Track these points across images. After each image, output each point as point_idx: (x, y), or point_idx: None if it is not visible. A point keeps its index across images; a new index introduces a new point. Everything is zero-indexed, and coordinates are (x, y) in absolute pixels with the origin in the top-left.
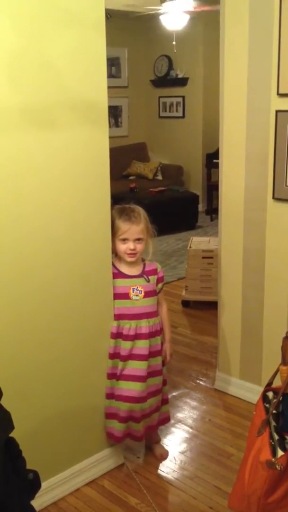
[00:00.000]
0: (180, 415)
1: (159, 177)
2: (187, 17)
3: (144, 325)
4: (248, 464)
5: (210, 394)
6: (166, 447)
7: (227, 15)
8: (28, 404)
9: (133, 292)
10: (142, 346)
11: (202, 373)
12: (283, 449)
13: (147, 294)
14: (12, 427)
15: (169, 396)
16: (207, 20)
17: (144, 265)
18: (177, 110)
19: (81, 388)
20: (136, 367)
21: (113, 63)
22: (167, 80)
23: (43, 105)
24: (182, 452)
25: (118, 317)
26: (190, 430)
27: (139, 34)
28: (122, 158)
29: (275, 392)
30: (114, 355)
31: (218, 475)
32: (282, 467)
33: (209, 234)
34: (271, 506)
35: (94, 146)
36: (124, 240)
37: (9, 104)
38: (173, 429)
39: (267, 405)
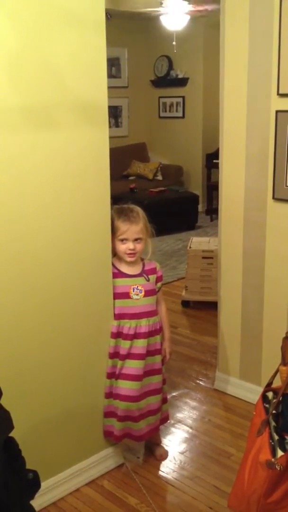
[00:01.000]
0: (180, 415)
1: (159, 177)
2: (187, 18)
3: (144, 324)
4: (248, 464)
5: (210, 394)
6: (165, 447)
7: (227, 15)
8: (28, 404)
9: (133, 291)
10: (140, 345)
11: (202, 373)
12: (283, 449)
13: (147, 293)
14: (12, 427)
15: (169, 396)
16: (207, 21)
17: (144, 264)
18: (177, 110)
19: (81, 388)
20: (133, 366)
21: (113, 63)
22: (167, 80)
23: (43, 105)
24: (182, 452)
25: (119, 316)
26: (190, 430)
27: (139, 34)
28: (122, 158)
29: (275, 392)
30: (114, 355)
31: (217, 475)
32: (281, 467)
33: (209, 234)
34: (271, 506)
35: (94, 146)
36: (124, 240)
37: (9, 104)
38: (172, 429)
39: (267, 405)
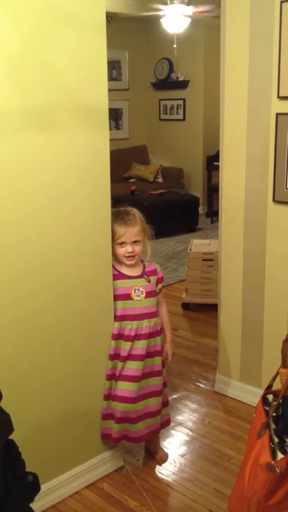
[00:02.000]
0: (180, 417)
1: (160, 180)
2: (187, 20)
3: (145, 325)
4: (248, 467)
5: (210, 397)
6: (166, 450)
7: (228, 18)
8: (28, 406)
9: (134, 292)
10: (140, 347)
11: (202, 376)
12: (283, 452)
13: (148, 295)
14: (11, 429)
15: (169, 398)
16: (207, 23)
17: (144, 265)
18: (177, 113)
19: (81, 390)
20: (132, 367)
21: (114, 66)
22: (168, 82)
23: (44, 107)
24: (182, 455)
25: (121, 318)
26: (190, 432)
27: (140, 37)
28: (122, 160)
29: (275, 395)
30: (115, 356)
31: (218, 478)
32: (282, 470)
33: (209, 236)
34: (271, 509)
35: (95, 148)
36: (122, 243)
37: (10, 106)
38: (173, 431)
39: (267, 408)
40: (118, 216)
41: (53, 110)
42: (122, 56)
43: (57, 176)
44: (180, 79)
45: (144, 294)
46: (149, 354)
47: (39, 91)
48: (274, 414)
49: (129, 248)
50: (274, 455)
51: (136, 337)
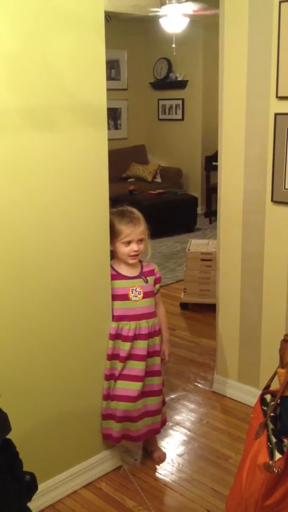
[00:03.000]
0: (178, 417)
1: (158, 180)
2: (186, 20)
3: (144, 326)
4: (246, 467)
5: (208, 397)
6: (163, 450)
7: (227, 18)
8: (26, 406)
9: (132, 293)
10: (141, 347)
11: (200, 376)
12: (281, 452)
13: (146, 295)
14: (9, 429)
15: (167, 398)
16: (206, 23)
17: (142, 266)
18: (176, 113)
19: (79, 390)
20: (135, 367)
21: (112, 66)
22: (167, 82)
23: (42, 106)
24: (180, 455)
25: (118, 318)
26: (188, 432)
27: (139, 37)
28: (121, 160)
29: (273, 395)
30: (113, 356)
31: (215, 478)
32: (279, 470)
33: (208, 236)
34: (269, 509)
35: (93, 148)
36: (129, 242)
37: (8, 105)
38: (171, 431)
39: (265, 408)
40: (123, 216)
41: (51, 110)
42: (120, 55)
43: (55, 176)
44: (179, 79)
45: (141, 295)
46: (149, 354)
47: (38, 90)
48: (272, 414)
49: (135, 247)
50: (272, 455)
51: (136, 337)
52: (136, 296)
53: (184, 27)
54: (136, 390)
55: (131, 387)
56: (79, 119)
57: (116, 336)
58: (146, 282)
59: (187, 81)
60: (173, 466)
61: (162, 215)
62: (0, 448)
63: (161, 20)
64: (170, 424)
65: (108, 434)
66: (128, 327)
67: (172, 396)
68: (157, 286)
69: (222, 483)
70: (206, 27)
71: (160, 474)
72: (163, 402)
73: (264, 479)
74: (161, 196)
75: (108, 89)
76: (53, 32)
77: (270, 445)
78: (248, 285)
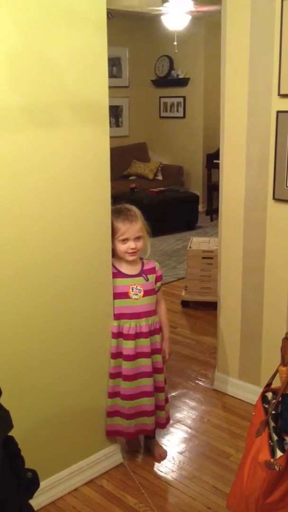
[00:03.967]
0: (179, 415)
1: (160, 177)
2: (188, 18)
3: (144, 324)
4: (247, 465)
5: (209, 395)
6: (164, 447)
7: (229, 15)
8: (27, 403)
9: (132, 291)
10: (144, 344)
11: (201, 374)
12: (282, 450)
13: (147, 293)
14: (11, 426)
15: (168, 396)
16: (208, 21)
17: (143, 264)
18: (177, 110)
19: (80, 388)
20: (143, 364)
21: (114, 63)
22: (168, 80)
23: (44, 104)
24: (181, 452)
25: (118, 316)
26: (189, 430)
27: (140, 34)
28: (122, 158)
29: (274, 392)
30: (117, 355)
31: (216, 476)
32: (280, 467)
33: (209, 234)
34: (270, 507)
35: (95, 145)
36: (125, 240)
37: (10, 103)
38: (171, 429)
39: (266, 406)
40: (120, 213)
41: (53, 107)
42: (122, 53)
43: (57, 173)
44: (181, 76)
45: (142, 293)
46: (152, 352)
47: (40, 88)
48: (273, 412)
49: (132, 245)
50: (273, 453)
51: (137, 335)
52: (136, 295)
53: (185, 25)
54: (148, 385)
55: (146, 383)
56: (81, 117)
57: (118, 335)
58: (147, 280)
59: (188, 78)
60: (174, 463)
61: (163, 213)
62: (2, 445)
63: (162, 18)
64: (171, 421)
65: (115, 431)
66: (129, 325)
67: (173, 394)
68: (158, 284)
69: (223, 481)
70: (208, 24)
71: (161, 471)
72: (166, 400)
73: (265, 477)
74: (163, 194)
75: (109, 87)
76: (55, 29)
77: (271, 443)
78: (249, 283)
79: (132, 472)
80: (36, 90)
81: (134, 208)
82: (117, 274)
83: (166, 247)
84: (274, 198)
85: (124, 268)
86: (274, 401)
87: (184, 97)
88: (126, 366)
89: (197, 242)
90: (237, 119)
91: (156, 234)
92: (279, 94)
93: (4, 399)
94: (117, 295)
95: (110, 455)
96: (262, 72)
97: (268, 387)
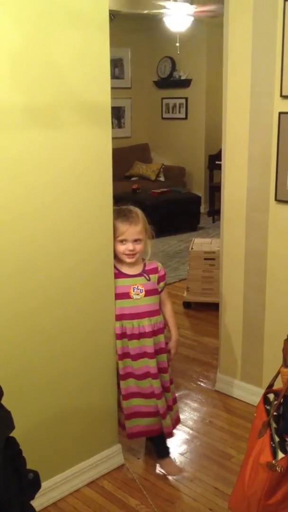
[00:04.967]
0: (180, 416)
1: (162, 178)
2: (190, 19)
3: (147, 324)
4: (249, 466)
5: (210, 396)
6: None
7: (231, 17)
8: (29, 404)
9: (133, 291)
10: (148, 344)
11: (203, 375)
12: (284, 451)
13: (148, 293)
14: (12, 427)
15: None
16: (210, 22)
17: (145, 264)
18: (180, 112)
19: (82, 388)
20: (148, 364)
21: (116, 64)
22: (170, 81)
23: (46, 105)
24: (182, 454)
25: (120, 317)
26: (191, 431)
27: (143, 35)
28: (124, 159)
29: (276, 394)
30: (123, 355)
31: (218, 477)
32: (282, 469)
33: (211, 235)
34: (271, 508)
35: (97, 146)
36: (123, 241)
37: (13, 103)
38: (173, 430)
39: (268, 407)
40: (120, 214)
41: (55, 108)
42: (124, 54)
43: (59, 174)
44: (183, 77)
45: (143, 293)
46: (156, 352)
47: (42, 88)
48: (275, 413)
49: (129, 246)
50: (274, 454)
51: (141, 335)
52: (137, 295)
53: (188, 26)
54: (157, 387)
55: (147, 385)
56: (83, 118)
57: (122, 335)
58: (149, 280)
59: (190, 80)
60: (175, 464)
61: (165, 214)
62: (4, 445)
63: (165, 19)
64: None
65: (138, 432)
66: (131, 326)
67: (175, 395)
68: (162, 284)
69: (224, 482)
70: (210, 25)
71: (163, 472)
72: (174, 400)
73: (267, 478)
74: (165, 195)
75: (111, 88)
76: (57, 30)
77: (273, 444)
78: (251, 284)
79: (134, 473)
80: (38, 91)
81: (137, 210)
82: (118, 274)
83: (168, 248)
84: (276, 199)
85: (125, 269)
86: (275, 402)
87: (186, 98)
88: (134, 366)
89: (199, 243)
90: (239, 120)
91: (158, 235)
92: (281, 95)
93: (5, 399)
94: (118, 296)
95: (112, 456)
96: (264, 73)
97: (269, 388)
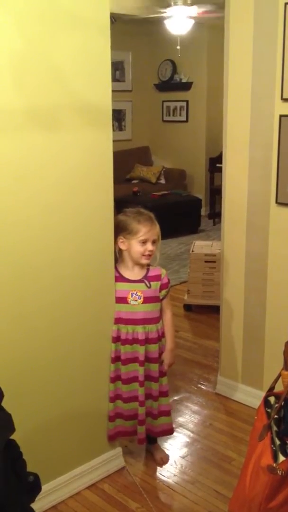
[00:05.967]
0: (181, 419)
1: (162, 181)
2: (191, 22)
3: (141, 331)
4: (249, 469)
5: (211, 399)
6: (166, 452)
7: (232, 20)
8: (29, 407)
9: (131, 296)
10: (140, 351)
11: (203, 377)
12: (285, 454)
13: (147, 300)
14: (13, 429)
15: (170, 400)
16: (211, 25)
17: (148, 270)
18: (180, 114)
19: (82, 391)
20: (136, 370)
21: (117, 67)
22: (171, 84)
23: (48, 108)
24: (183, 457)
25: (117, 320)
26: (191, 434)
27: (144, 38)
28: (125, 161)
29: (277, 397)
30: (116, 359)
31: (218, 480)
32: (283, 472)
33: (211, 238)
34: (272, 511)
35: (98, 149)
36: (144, 241)
37: (14, 106)
38: (174, 433)
39: (269, 410)
40: (141, 214)
41: (56, 111)
42: (125, 57)
43: (60, 177)
44: (183, 80)
45: (141, 299)
46: (146, 360)
47: (43, 91)
48: (276, 416)
49: (150, 247)
50: (275, 457)
51: (134, 340)
52: (135, 301)
53: (188, 29)
54: (141, 395)
55: (135, 388)
56: (84, 120)
57: (117, 339)
58: (149, 287)
59: (191, 82)
60: (176, 467)
61: (166, 216)
62: (4, 448)
63: (166, 22)
64: (173, 425)
65: (117, 432)
66: (126, 331)
67: (175, 398)
68: (164, 292)
69: (225, 485)
70: (211, 28)
71: (163, 475)
72: (163, 412)
73: (268, 481)
74: (165, 197)
75: (112, 91)
76: (59, 33)
77: (274, 447)
78: (252, 287)
79: (134, 476)
80: (40, 94)
81: (149, 212)
82: (118, 278)
83: (169, 251)
84: (276, 202)
85: (126, 273)
86: (276, 405)
87: (187, 101)
88: (122, 370)
89: (200, 245)
90: (240, 123)
91: None
92: (282, 98)
93: (5, 402)
94: (116, 299)
95: (112, 459)
96: (265, 76)
97: (270, 391)
